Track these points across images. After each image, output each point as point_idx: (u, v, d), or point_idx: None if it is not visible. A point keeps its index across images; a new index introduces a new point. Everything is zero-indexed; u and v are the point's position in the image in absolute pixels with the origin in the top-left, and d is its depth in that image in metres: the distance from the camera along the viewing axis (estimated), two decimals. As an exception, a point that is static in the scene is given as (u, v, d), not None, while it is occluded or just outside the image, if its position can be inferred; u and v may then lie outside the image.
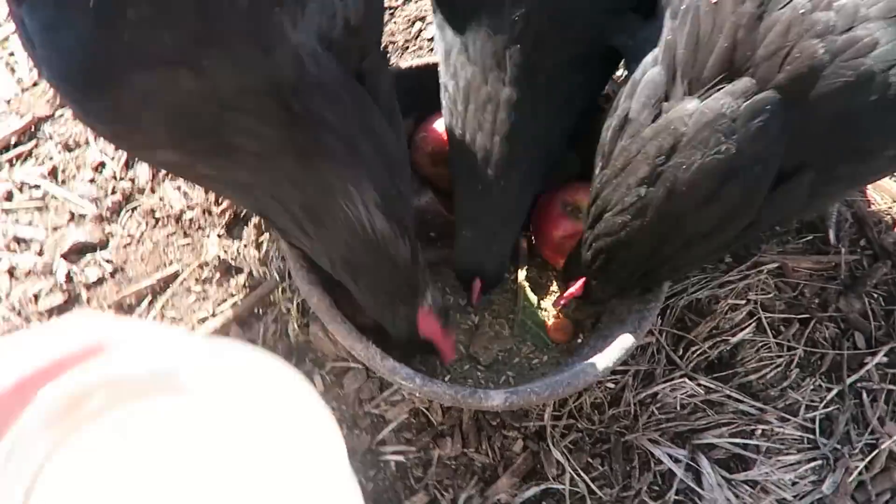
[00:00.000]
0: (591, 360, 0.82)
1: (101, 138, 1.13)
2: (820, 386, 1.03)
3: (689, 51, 0.71)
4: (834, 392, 1.02)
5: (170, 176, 1.12)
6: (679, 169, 0.71)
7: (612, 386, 0.98)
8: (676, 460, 0.94)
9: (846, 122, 0.67)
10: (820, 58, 0.64)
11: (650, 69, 0.75)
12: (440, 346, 0.85)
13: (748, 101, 0.67)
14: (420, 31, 1.26)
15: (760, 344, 1.04)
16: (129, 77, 0.61)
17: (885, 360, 1.04)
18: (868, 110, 0.65)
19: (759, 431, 0.98)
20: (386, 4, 1.29)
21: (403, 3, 1.30)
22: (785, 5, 0.66)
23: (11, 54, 1.29)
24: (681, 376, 0.99)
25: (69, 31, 0.61)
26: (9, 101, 1.21)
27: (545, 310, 0.99)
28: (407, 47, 1.24)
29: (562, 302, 0.91)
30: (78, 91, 0.65)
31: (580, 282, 0.86)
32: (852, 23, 0.63)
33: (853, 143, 0.69)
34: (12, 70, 1.27)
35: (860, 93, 0.64)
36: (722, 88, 0.68)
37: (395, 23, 1.27)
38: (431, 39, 1.24)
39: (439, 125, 0.97)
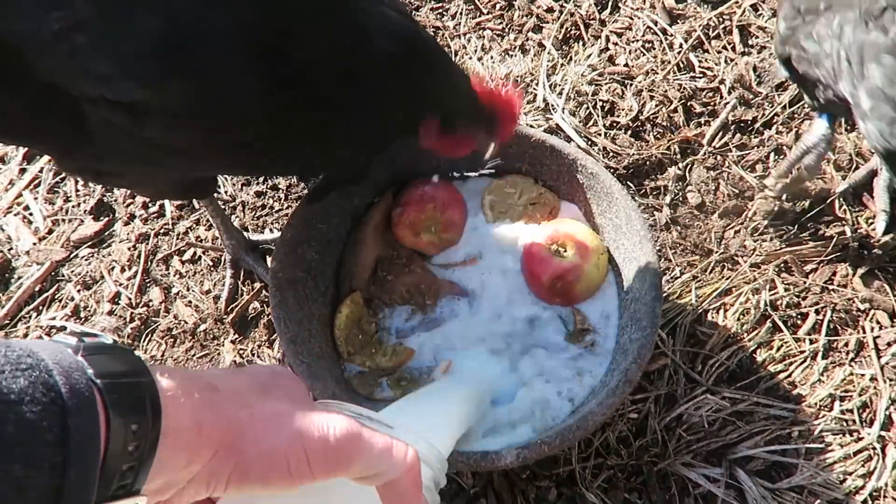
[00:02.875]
0: (595, 401, 0.82)
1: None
2: (851, 374, 1.00)
3: None
4: (867, 377, 0.99)
5: (179, 293, 1.18)
6: None
7: (634, 416, 0.98)
8: (714, 480, 0.92)
9: None
10: None
11: None
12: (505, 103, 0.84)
13: None
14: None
15: (780, 343, 1.02)
16: None
17: (914, 333, 1.01)
18: None
19: (796, 434, 0.96)
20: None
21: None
22: None
23: (26, 208, 1.39)
24: (703, 392, 0.98)
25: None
26: (28, 252, 1.30)
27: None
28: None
29: None
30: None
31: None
32: None
33: None
34: (28, 222, 1.36)
35: None
36: None
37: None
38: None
39: (415, 195, 1.00)
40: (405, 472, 0.45)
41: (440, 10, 1.43)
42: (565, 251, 0.95)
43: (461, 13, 1.41)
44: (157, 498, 0.40)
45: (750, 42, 1.28)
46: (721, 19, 1.30)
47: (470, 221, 1.03)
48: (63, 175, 1.41)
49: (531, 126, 1.20)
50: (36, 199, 1.39)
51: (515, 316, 0.95)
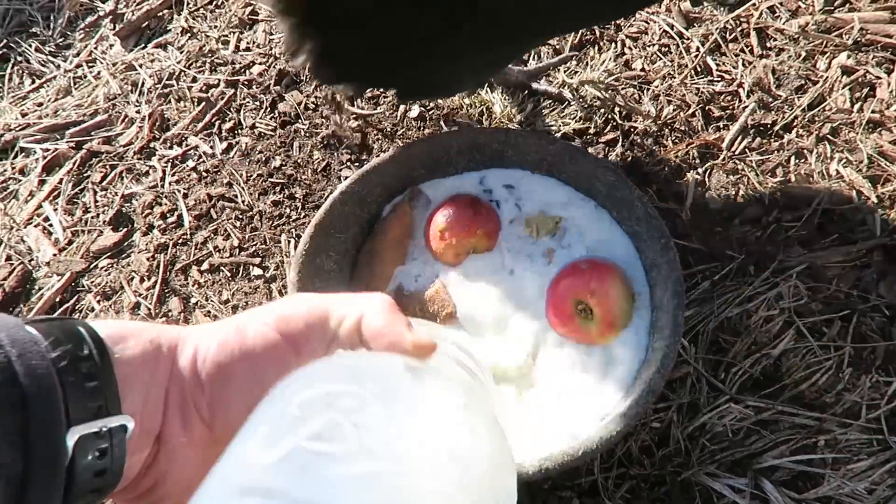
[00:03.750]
0: (619, 412, 0.81)
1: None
2: (878, 382, 0.98)
3: None
4: (894, 385, 0.97)
5: (198, 304, 1.18)
6: None
7: (657, 425, 0.96)
8: (739, 490, 0.91)
9: None
10: None
11: None
12: None
13: None
14: (405, 112, 1.30)
15: (804, 350, 1.00)
16: None
17: (942, 339, 0.99)
18: None
19: (822, 443, 0.94)
20: (368, 94, 1.35)
21: (385, 91, 1.35)
22: None
23: (46, 219, 1.40)
24: (726, 401, 0.97)
25: None
26: (48, 264, 1.31)
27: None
28: (395, 132, 1.28)
29: None
30: None
31: None
32: None
33: None
34: (48, 233, 1.37)
35: None
36: None
37: (379, 110, 1.32)
38: (417, 119, 1.29)
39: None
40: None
41: (455, 17, 1.42)
42: (591, 315, 0.91)
43: (476, 19, 1.41)
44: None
45: (768, 45, 1.27)
46: (738, 22, 1.29)
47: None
48: (82, 186, 1.42)
49: (548, 130, 1.20)
50: (56, 210, 1.40)
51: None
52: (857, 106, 1.17)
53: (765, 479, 0.92)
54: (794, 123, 1.17)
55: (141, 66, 1.58)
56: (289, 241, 1.20)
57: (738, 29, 1.28)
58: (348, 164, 1.26)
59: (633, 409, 0.81)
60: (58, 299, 1.27)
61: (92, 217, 1.36)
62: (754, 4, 1.30)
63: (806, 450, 0.94)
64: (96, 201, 1.39)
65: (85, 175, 1.45)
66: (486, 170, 1.04)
